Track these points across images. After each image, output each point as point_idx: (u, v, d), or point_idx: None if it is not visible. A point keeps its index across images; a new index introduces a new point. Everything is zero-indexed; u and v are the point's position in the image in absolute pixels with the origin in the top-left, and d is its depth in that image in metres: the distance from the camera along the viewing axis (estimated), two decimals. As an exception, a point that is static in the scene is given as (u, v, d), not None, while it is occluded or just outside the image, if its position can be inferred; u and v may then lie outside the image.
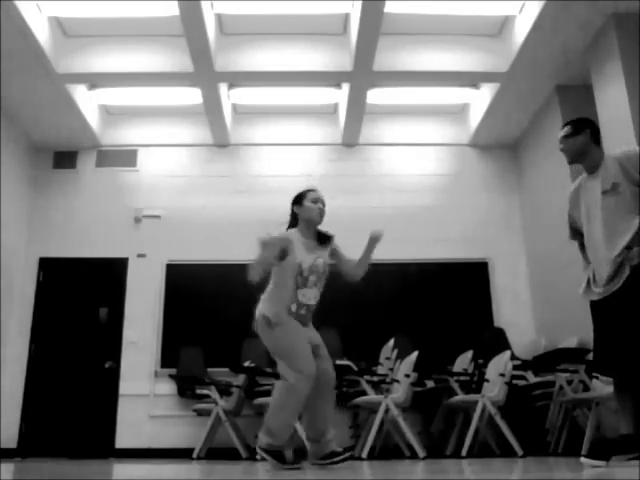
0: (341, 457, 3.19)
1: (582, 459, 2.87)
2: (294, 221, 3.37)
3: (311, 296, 3.24)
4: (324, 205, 3.37)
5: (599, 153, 3.09)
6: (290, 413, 3.08)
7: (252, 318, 3.25)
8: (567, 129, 3.18)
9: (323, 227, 3.39)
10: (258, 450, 3.09)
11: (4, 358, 6.16)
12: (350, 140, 6.97)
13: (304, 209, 3.31)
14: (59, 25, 5.53)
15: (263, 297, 3.27)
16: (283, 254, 3.18)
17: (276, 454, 3.04)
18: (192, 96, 6.16)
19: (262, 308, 3.22)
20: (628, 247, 2.86)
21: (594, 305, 3.03)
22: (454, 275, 6.63)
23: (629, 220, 2.90)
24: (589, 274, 3.05)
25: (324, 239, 3.37)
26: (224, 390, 5.68)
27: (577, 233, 3.18)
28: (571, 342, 5.41)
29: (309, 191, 3.38)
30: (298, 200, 3.36)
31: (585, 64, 5.34)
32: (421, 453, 4.72)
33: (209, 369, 6.13)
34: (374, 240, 3.36)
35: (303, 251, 3.24)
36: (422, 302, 6.50)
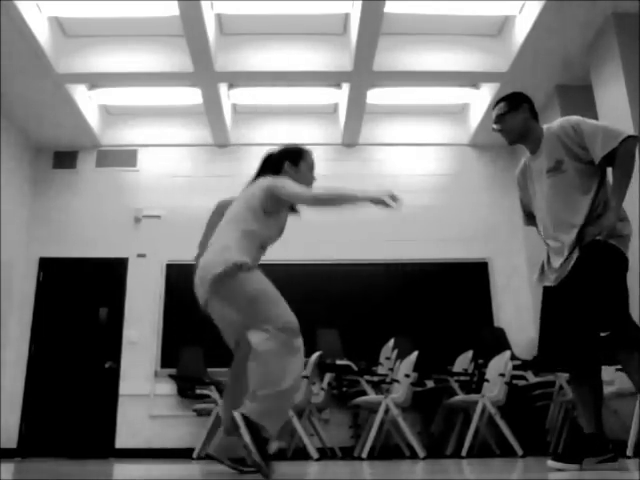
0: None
1: (549, 462, 2.56)
2: (277, 174, 2.77)
3: (259, 260, 2.71)
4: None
5: (539, 129, 2.81)
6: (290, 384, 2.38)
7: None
8: (502, 106, 2.88)
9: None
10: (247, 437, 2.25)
11: (4, 358, 6.15)
12: (350, 140, 6.97)
13: (299, 174, 2.80)
14: (59, 25, 5.53)
15: (226, 245, 2.57)
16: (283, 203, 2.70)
17: (262, 444, 2.27)
18: (192, 96, 6.16)
19: (229, 256, 2.51)
20: (581, 228, 2.59)
21: (547, 291, 2.74)
22: (454, 275, 6.63)
23: (578, 200, 2.62)
24: (543, 258, 2.79)
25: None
26: (224, 390, 5.67)
27: (532, 217, 2.91)
28: (571, 342, 5.40)
29: (308, 152, 2.91)
30: (296, 160, 2.82)
31: (585, 64, 5.35)
32: (421, 453, 4.71)
33: (209, 369, 6.11)
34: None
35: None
36: (422, 302, 6.49)
